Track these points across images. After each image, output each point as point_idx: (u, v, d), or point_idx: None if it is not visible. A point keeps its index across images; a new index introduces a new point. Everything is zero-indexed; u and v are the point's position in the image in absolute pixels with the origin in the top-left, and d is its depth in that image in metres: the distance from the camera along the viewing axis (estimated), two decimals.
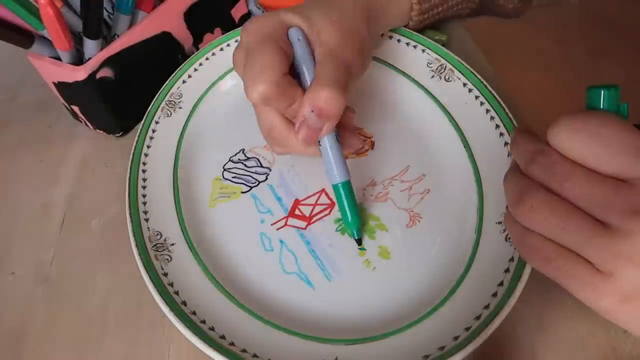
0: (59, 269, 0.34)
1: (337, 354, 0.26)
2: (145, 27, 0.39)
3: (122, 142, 0.41)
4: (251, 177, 0.35)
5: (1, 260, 0.35)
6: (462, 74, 0.36)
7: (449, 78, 0.36)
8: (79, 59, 0.37)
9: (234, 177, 0.35)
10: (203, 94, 0.38)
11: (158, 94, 0.37)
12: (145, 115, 0.36)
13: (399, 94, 0.37)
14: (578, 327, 0.27)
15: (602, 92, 0.21)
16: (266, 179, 0.34)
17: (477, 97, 0.34)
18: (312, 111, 0.26)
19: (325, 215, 0.32)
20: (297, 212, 0.33)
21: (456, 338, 0.25)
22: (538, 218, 0.20)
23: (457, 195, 0.32)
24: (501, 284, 0.26)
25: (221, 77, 0.39)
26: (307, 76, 0.28)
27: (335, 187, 0.29)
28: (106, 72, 0.37)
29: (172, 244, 0.30)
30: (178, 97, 0.38)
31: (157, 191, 0.33)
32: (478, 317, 0.25)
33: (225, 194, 0.34)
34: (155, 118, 0.36)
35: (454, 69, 0.36)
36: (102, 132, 0.42)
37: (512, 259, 0.27)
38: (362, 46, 0.30)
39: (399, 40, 0.38)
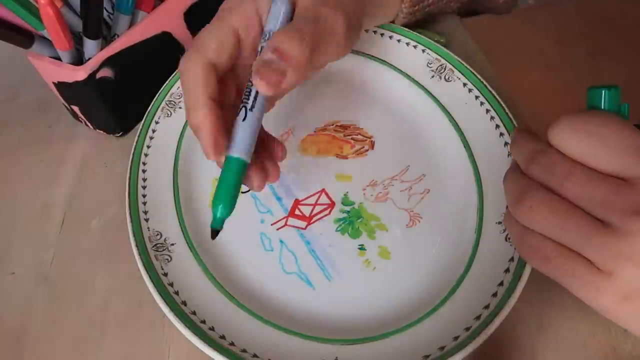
0: (59, 269, 0.34)
1: (337, 354, 0.26)
2: (145, 27, 0.39)
3: (122, 142, 0.41)
4: None
5: (1, 260, 0.35)
6: (462, 74, 0.36)
7: (449, 78, 0.36)
8: (79, 59, 0.37)
9: None
10: None
11: (158, 94, 0.37)
12: (145, 115, 0.36)
13: (399, 94, 0.37)
14: (578, 327, 0.27)
15: (603, 92, 0.21)
16: None
17: (477, 97, 0.34)
18: (274, 52, 0.23)
19: (325, 215, 0.32)
20: (297, 212, 0.33)
21: (456, 338, 0.25)
22: (538, 218, 0.20)
23: (457, 195, 0.32)
24: (501, 284, 0.26)
25: None
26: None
27: (231, 159, 0.24)
28: (106, 72, 0.37)
29: (172, 244, 0.30)
30: (178, 97, 0.38)
31: (157, 191, 0.33)
32: (478, 317, 0.25)
33: None
34: (155, 118, 0.36)
35: (454, 69, 0.36)
36: (102, 132, 0.42)
37: (512, 259, 0.27)
38: (345, 15, 0.26)
39: (399, 40, 0.38)
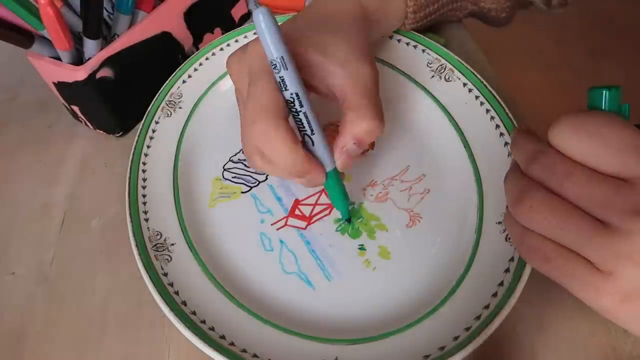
0: (59, 269, 0.34)
1: (337, 354, 0.26)
2: (145, 27, 0.39)
3: (122, 142, 0.41)
4: (251, 177, 0.35)
5: (1, 260, 0.35)
6: (462, 74, 0.36)
7: (449, 78, 0.36)
8: (79, 59, 0.37)
9: (234, 177, 0.35)
10: (203, 94, 0.38)
11: (158, 94, 0.37)
12: (145, 115, 0.36)
13: (399, 93, 0.37)
14: (578, 327, 0.27)
15: (604, 92, 0.21)
16: (266, 178, 0.34)
17: (477, 97, 0.34)
18: (354, 143, 0.27)
19: (325, 215, 0.32)
20: (297, 212, 0.33)
21: (456, 338, 0.25)
22: (538, 218, 0.20)
23: (457, 195, 0.32)
24: (501, 284, 0.26)
25: (221, 77, 0.39)
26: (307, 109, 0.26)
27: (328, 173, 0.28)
28: (106, 72, 0.37)
29: (172, 244, 0.30)
30: (178, 97, 0.38)
31: (157, 191, 0.33)
32: (478, 317, 0.25)
33: (225, 194, 0.34)
34: (155, 118, 0.36)
35: (454, 69, 0.36)
36: (102, 132, 0.42)
37: (512, 259, 0.27)
38: (372, 57, 0.29)
39: (399, 40, 0.38)
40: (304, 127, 0.26)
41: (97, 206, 0.37)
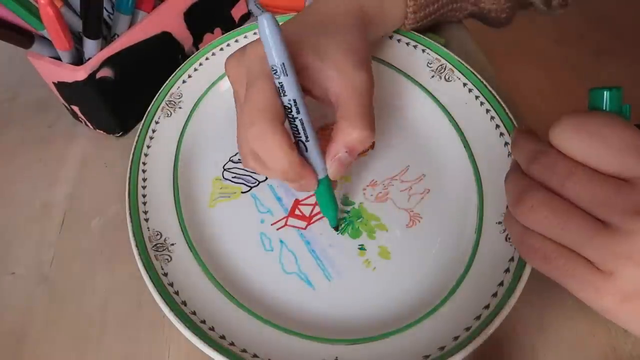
0: (59, 269, 0.34)
1: (337, 354, 0.26)
2: (145, 27, 0.39)
3: (122, 142, 0.41)
4: (251, 177, 0.35)
5: (1, 260, 0.35)
6: (462, 74, 0.36)
7: (449, 78, 0.36)
8: (79, 59, 0.37)
9: (234, 177, 0.35)
10: (203, 94, 0.38)
11: (158, 94, 0.37)
12: (145, 115, 0.36)
13: (399, 94, 0.37)
14: (578, 327, 0.27)
15: (605, 93, 0.21)
16: (266, 178, 0.34)
17: (477, 97, 0.34)
18: (346, 151, 0.27)
19: None
20: (297, 212, 0.33)
21: (456, 338, 0.25)
22: (538, 217, 0.20)
23: (457, 195, 0.32)
24: (501, 284, 0.26)
25: (221, 77, 0.39)
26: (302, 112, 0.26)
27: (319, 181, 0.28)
28: (106, 72, 0.37)
29: (172, 244, 0.30)
30: (178, 97, 0.38)
31: (157, 191, 0.33)
32: (478, 317, 0.25)
33: (225, 194, 0.34)
34: (155, 118, 0.36)
35: (454, 69, 0.36)
36: (102, 132, 0.42)
37: (512, 259, 0.27)
38: (368, 63, 0.29)
39: (399, 40, 0.38)
40: (299, 133, 0.26)
41: (97, 206, 0.37)
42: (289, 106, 0.25)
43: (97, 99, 0.38)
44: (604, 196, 0.19)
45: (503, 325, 0.25)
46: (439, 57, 0.37)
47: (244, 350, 0.26)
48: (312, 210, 0.33)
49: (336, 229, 0.31)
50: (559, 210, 0.20)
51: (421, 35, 0.38)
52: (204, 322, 0.27)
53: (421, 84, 0.37)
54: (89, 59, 0.36)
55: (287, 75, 0.24)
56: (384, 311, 0.28)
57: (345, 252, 0.30)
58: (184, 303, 0.27)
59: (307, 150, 0.27)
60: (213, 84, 0.39)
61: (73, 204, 0.37)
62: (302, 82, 0.27)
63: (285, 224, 0.32)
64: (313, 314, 0.28)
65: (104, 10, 0.37)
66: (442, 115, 0.35)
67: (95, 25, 0.35)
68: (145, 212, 0.31)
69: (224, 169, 0.35)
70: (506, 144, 0.32)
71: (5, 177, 0.41)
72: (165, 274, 0.29)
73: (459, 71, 0.36)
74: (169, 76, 0.38)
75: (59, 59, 0.36)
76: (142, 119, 0.36)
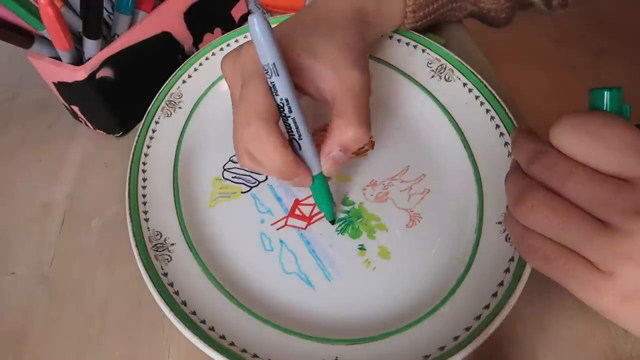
0: (59, 269, 0.34)
1: (337, 354, 0.26)
2: (145, 27, 0.39)
3: (122, 142, 0.41)
4: (251, 177, 0.35)
5: (1, 260, 0.35)
6: (462, 74, 0.36)
7: (449, 78, 0.36)
8: (79, 59, 0.37)
9: (234, 177, 0.35)
10: (203, 94, 0.38)
11: (158, 94, 0.37)
12: (145, 115, 0.36)
13: (399, 94, 0.37)
14: (578, 327, 0.27)
15: (606, 93, 0.21)
16: (266, 178, 0.34)
17: (477, 97, 0.34)
18: (340, 150, 0.27)
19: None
20: (297, 212, 0.33)
21: (456, 338, 0.25)
22: (538, 217, 0.20)
23: (457, 195, 0.32)
24: (501, 284, 0.26)
25: (221, 78, 0.39)
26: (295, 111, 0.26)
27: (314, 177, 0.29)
28: (106, 72, 0.37)
29: (172, 244, 0.30)
30: (178, 97, 0.38)
31: (157, 191, 0.33)
32: (478, 317, 0.25)
33: (225, 194, 0.34)
34: (155, 118, 0.36)
35: (454, 69, 0.36)
36: (102, 132, 0.42)
37: (512, 259, 0.27)
38: (365, 62, 0.29)
39: (399, 40, 0.38)
40: (292, 131, 0.26)
41: (97, 206, 0.37)
42: (282, 105, 0.25)
43: (97, 99, 0.38)
44: (604, 196, 0.19)
45: (503, 325, 0.25)
46: (439, 57, 0.37)
47: (244, 350, 0.26)
48: (312, 210, 0.33)
49: (333, 222, 0.32)
50: (559, 210, 0.20)
51: (421, 35, 0.38)
52: (204, 322, 0.27)
53: (421, 84, 0.37)
54: (89, 59, 0.36)
55: (278, 75, 0.24)
56: (384, 311, 0.28)
57: (345, 252, 0.30)
58: (184, 303, 0.27)
59: (300, 149, 0.27)
60: (213, 84, 0.39)
61: (73, 204, 0.37)
62: (298, 81, 0.27)
63: (285, 224, 0.32)
64: (313, 314, 0.28)
65: (104, 10, 0.37)
66: (442, 115, 0.35)
67: (95, 25, 0.35)
68: (145, 212, 0.31)
69: (224, 169, 0.35)
70: (506, 144, 0.32)
71: (5, 177, 0.41)
72: (165, 274, 0.29)
73: (459, 71, 0.36)
74: (169, 76, 0.38)
75: (59, 59, 0.36)
76: (142, 119, 0.36)
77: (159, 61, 0.41)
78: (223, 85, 0.39)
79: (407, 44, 0.38)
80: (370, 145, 0.35)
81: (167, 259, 0.30)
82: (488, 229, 0.29)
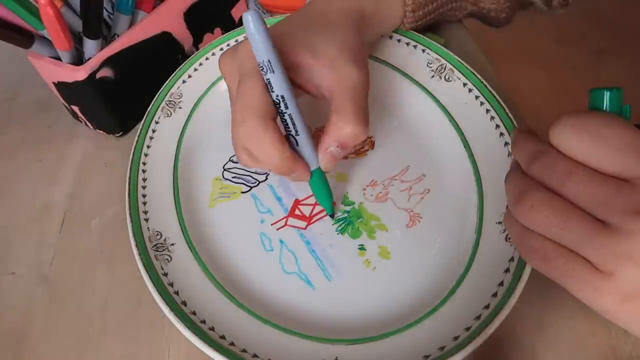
0: (59, 269, 0.34)
1: (337, 354, 0.26)
2: (145, 27, 0.39)
3: (122, 142, 0.41)
4: (251, 177, 0.35)
5: (1, 260, 0.35)
6: (462, 74, 0.36)
7: (449, 78, 0.36)
8: (79, 59, 0.37)
9: (234, 177, 0.35)
10: (203, 94, 0.38)
11: (158, 94, 0.37)
12: (145, 115, 0.36)
13: (399, 93, 0.37)
14: (578, 327, 0.27)
15: (606, 93, 0.21)
16: (266, 178, 0.34)
17: (477, 97, 0.34)
18: (337, 146, 0.27)
19: (326, 215, 0.32)
20: (297, 212, 0.33)
21: (456, 338, 0.25)
22: (538, 217, 0.20)
23: (457, 196, 0.32)
24: (501, 284, 0.26)
25: (221, 77, 0.39)
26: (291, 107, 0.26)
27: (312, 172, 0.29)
28: (106, 72, 0.37)
29: (172, 244, 0.30)
30: (178, 97, 0.38)
31: (157, 191, 0.33)
32: (478, 317, 0.25)
33: (225, 194, 0.34)
34: (155, 118, 0.36)
35: (454, 69, 0.36)
36: (102, 132, 0.42)
37: (512, 259, 0.27)
38: (363, 61, 0.29)
39: (399, 40, 0.38)
40: (289, 127, 0.27)
41: (97, 206, 0.37)
42: (277, 102, 0.26)
43: (97, 99, 0.38)
44: (604, 196, 0.19)
45: (503, 325, 0.25)
46: (439, 57, 0.37)
47: (244, 350, 0.26)
48: (312, 210, 0.33)
49: (332, 216, 0.32)
50: (559, 210, 0.20)
51: (421, 35, 0.38)
52: (204, 322, 0.27)
53: (421, 84, 0.37)
54: (89, 59, 0.36)
55: (273, 72, 0.24)
56: (384, 311, 0.28)
57: (345, 252, 0.30)
58: (184, 303, 0.27)
59: (298, 144, 0.27)
60: (213, 84, 0.39)
61: (73, 204, 0.37)
62: (296, 79, 0.28)
63: (285, 224, 0.32)
64: (313, 314, 0.28)
65: (104, 10, 0.37)
66: (442, 115, 0.35)
67: (95, 25, 0.35)
68: (145, 212, 0.31)
69: (224, 169, 0.35)
70: (506, 144, 0.32)
71: (5, 177, 0.41)
72: (165, 274, 0.29)
73: (459, 71, 0.36)
74: (169, 76, 0.38)
75: (59, 59, 0.36)
76: (142, 119, 0.36)
77: (159, 61, 0.41)
78: (223, 85, 0.39)
79: (407, 43, 0.38)
80: (370, 145, 0.35)
81: (167, 259, 0.30)
82: (488, 229, 0.29)
